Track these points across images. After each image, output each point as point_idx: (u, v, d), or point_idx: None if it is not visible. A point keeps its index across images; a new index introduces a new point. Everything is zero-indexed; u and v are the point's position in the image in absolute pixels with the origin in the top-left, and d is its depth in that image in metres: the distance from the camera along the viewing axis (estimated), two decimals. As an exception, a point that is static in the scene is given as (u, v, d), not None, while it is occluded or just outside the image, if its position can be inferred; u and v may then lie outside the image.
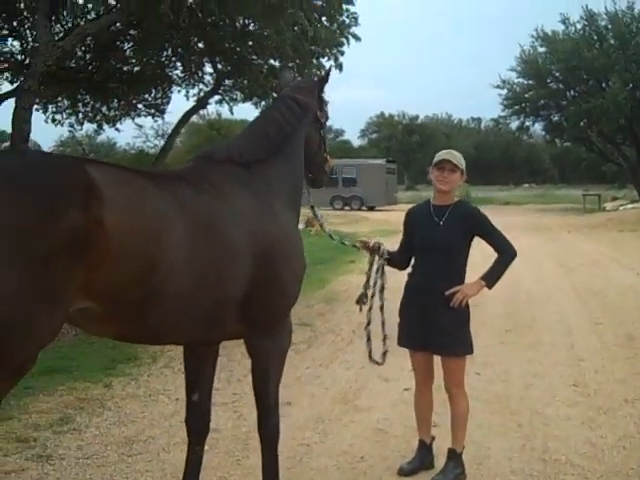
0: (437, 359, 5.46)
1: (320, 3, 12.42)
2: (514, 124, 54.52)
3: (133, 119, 17.52)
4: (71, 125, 17.53)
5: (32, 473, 5.35)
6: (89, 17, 13.15)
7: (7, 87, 15.72)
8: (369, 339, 5.50)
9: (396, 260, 5.60)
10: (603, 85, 44.81)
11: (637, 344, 9.63)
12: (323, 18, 12.76)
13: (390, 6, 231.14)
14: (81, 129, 17.69)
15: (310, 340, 9.96)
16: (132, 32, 14.29)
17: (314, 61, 13.75)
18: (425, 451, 5.58)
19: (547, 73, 48.29)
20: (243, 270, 3.96)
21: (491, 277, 5.31)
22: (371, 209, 46.58)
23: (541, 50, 49.60)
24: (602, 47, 42.79)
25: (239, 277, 3.95)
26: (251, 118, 5.35)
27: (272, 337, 4.34)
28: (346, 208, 46.52)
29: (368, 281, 5.50)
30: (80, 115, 17.39)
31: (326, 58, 13.62)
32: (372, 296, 5.47)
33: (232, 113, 16.08)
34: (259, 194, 4.28)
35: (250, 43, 12.31)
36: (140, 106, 17.09)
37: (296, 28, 11.14)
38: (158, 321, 3.64)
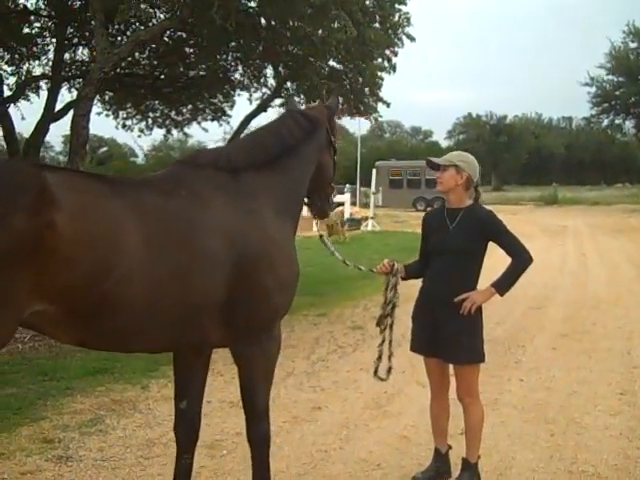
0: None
1: (369, 3, 12.31)
2: (604, 122, 53.19)
3: (200, 123, 17.75)
4: (141, 130, 17.87)
5: (47, 474, 5.41)
6: (149, 24, 13.33)
7: (78, 95, 16.14)
8: (380, 357, 5.38)
9: (415, 269, 5.45)
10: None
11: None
12: (377, 18, 12.64)
13: (473, 12, 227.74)
14: (150, 134, 17.97)
15: (357, 343, 9.87)
16: (194, 38, 14.46)
17: (373, 62, 13.60)
18: (441, 460, 5.41)
19: (639, 69, 46.92)
20: (220, 276, 3.89)
21: (503, 284, 5.09)
22: (454, 210, 46.15)
23: (632, 46, 48.25)
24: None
25: (216, 283, 3.88)
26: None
27: (258, 346, 4.24)
28: (429, 209, 46.24)
29: (385, 302, 5.36)
30: (149, 121, 17.73)
31: (380, 59, 13.45)
32: (386, 315, 5.34)
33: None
34: (243, 200, 4.18)
35: (304, 45, 12.24)
36: (207, 110, 17.30)
37: (349, 30, 11.01)
38: (120, 326, 3.61)
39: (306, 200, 5.05)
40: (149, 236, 3.60)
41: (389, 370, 5.34)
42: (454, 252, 5.09)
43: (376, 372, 5.38)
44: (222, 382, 7.71)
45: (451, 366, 5.27)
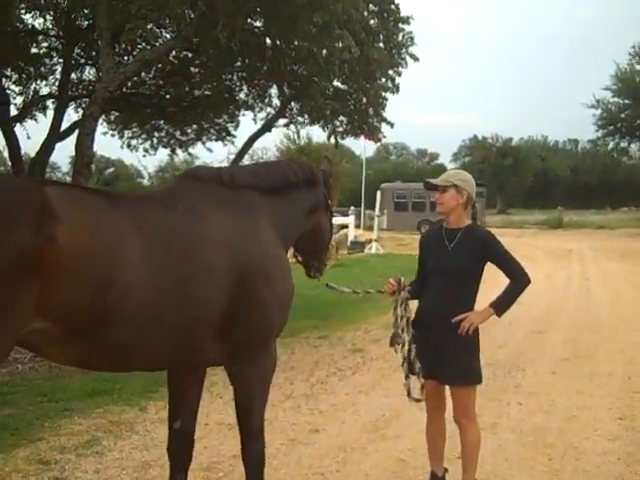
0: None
1: (373, 22, 12.43)
2: (610, 145, 53.14)
3: (204, 143, 17.86)
4: (146, 150, 18.00)
5: (42, 495, 5.42)
6: (155, 44, 13.46)
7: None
8: (407, 376, 5.27)
9: (413, 290, 5.40)
10: None
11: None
12: (380, 38, 12.76)
13: (479, 34, 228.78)
14: (155, 154, 18.11)
15: (357, 366, 9.85)
16: (199, 58, 14.59)
17: (377, 82, 13.72)
18: (437, 484, 5.40)
19: (645, 91, 46.95)
20: (219, 289, 3.94)
21: (501, 305, 5.09)
22: (459, 233, 45.98)
23: (638, 68, 48.32)
24: None
25: (214, 297, 3.93)
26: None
27: (254, 364, 4.27)
28: (427, 229, 46.05)
29: (396, 320, 5.32)
30: (154, 140, 17.86)
31: (384, 79, 13.56)
32: (401, 332, 5.30)
33: (299, 136, 16.38)
34: (242, 215, 4.27)
35: (308, 65, 12.35)
36: (211, 130, 17.42)
37: (352, 50, 11.10)
38: (120, 343, 3.62)
39: (301, 259, 5.34)
40: (150, 249, 3.65)
41: (422, 387, 5.19)
42: (453, 272, 5.09)
43: (409, 394, 5.27)
44: (221, 404, 7.69)
45: (447, 387, 5.26)
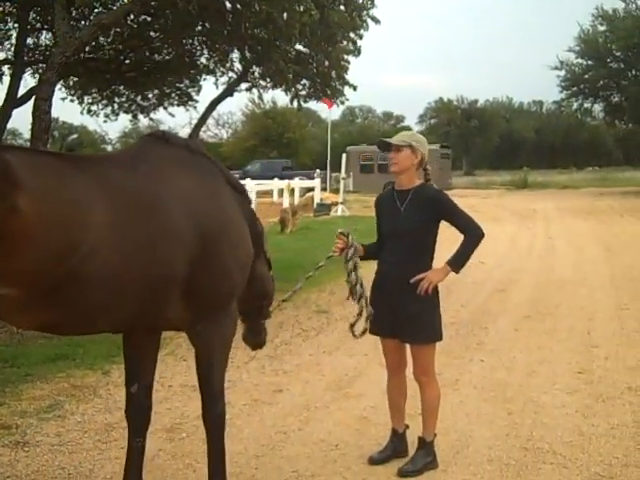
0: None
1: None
2: (574, 106, 53.42)
3: (166, 108, 17.58)
4: (106, 116, 17.70)
5: (3, 460, 5.38)
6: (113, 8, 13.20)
7: (41, 80, 15.98)
8: (360, 313, 5.21)
9: (373, 250, 5.40)
10: (665, 64, 43.57)
11: (660, 331, 9.30)
12: (341, 0, 12.64)
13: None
14: (116, 119, 17.79)
15: (322, 327, 9.90)
16: (159, 22, 14.35)
17: (339, 45, 13.63)
18: (398, 440, 5.46)
19: (607, 52, 47.12)
20: (182, 250, 3.92)
21: (457, 261, 5.12)
22: (425, 195, 46.05)
23: (601, 29, 48.40)
24: (664, 24, 41.60)
25: (178, 257, 3.91)
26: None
27: (215, 324, 4.26)
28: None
29: (349, 274, 5.27)
30: (115, 106, 17.56)
31: (345, 42, 13.48)
32: (355, 284, 5.28)
33: (262, 101, 16.30)
34: (205, 178, 4.26)
35: (269, 29, 12.20)
36: (173, 95, 17.19)
37: (312, 13, 10.99)
38: (87, 305, 3.58)
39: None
40: (114, 211, 3.60)
41: (364, 332, 5.25)
42: (407, 233, 5.10)
43: (353, 326, 5.26)
44: (185, 367, 7.67)
45: (408, 346, 5.31)
